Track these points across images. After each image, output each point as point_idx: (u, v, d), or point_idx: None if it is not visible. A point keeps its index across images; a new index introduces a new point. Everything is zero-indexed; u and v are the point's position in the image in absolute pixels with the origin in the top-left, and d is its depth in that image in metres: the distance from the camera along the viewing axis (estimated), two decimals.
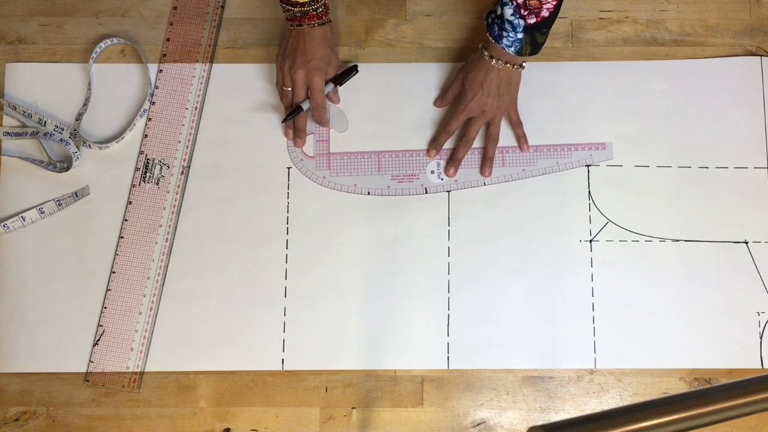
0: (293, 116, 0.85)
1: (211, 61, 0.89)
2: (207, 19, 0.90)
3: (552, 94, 0.88)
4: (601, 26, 0.90)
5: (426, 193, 0.87)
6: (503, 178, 0.87)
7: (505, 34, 0.78)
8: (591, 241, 0.86)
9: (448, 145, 0.87)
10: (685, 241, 0.86)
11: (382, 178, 0.87)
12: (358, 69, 0.87)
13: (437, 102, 0.88)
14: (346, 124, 0.88)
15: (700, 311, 0.84)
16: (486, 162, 0.86)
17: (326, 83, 0.85)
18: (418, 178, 0.87)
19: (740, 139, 0.88)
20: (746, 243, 0.86)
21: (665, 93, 0.88)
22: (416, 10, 0.91)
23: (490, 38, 0.80)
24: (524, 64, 0.83)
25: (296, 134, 0.87)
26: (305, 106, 0.85)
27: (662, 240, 0.86)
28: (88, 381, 0.83)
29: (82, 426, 0.83)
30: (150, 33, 0.90)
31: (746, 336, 0.84)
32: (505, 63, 0.81)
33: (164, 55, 0.89)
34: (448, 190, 0.87)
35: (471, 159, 0.87)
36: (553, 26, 0.86)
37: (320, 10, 0.80)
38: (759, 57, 0.89)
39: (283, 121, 0.86)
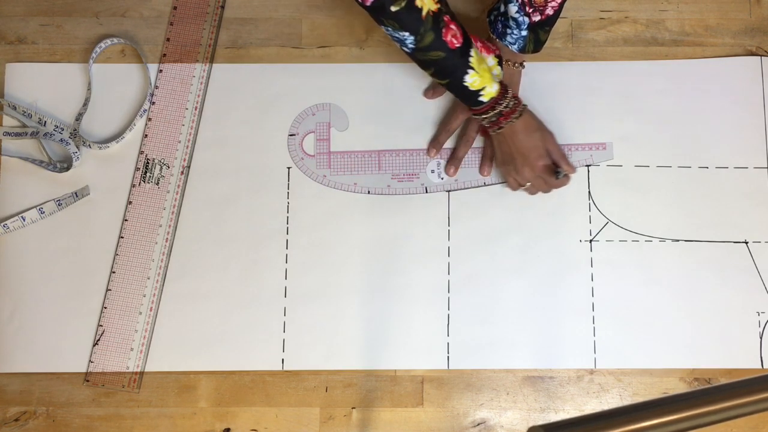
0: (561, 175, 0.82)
1: (211, 61, 0.89)
2: (207, 19, 0.90)
3: (552, 94, 0.88)
4: (601, 26, 0.90)
5: (426, 192, 0.87)
6: (503, 178, 0.87)
7: (509, 31, 0.78)
8: (591, 241, 0.86)
9: (448, 144, 0.87)
10: (685, 241, 0.86)
11: (382, 177, 0.87)
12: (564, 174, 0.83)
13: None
14: (346, 123, 0.88)
15: (700, 311, 0.84)
16: (485, 161, 0.86)
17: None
18: (418, 178, 0.87)
19: (740, 139, 0.88)
20: (746, 243, 0.86)
21: (665, 93, 0.88)
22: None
23: (493, 36, 0.80)
24: (524, 63, 0.83)
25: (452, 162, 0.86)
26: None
27: (662, 240, 0.86)
28: (88, 381, 0.83)
29: (82, 426, 0.83)
30: (150, 33, 0.90)
31: (746, 336, 0.84)
32: (506, 61, 0.81)
33: (164, 55, 0.89)
34: (449, 189, 0.87)
35: (471, 158, 0.87)
36: (554, 26, 0.86)
37: (511, 104, 0.77)
38: (759, 57, 0.89)
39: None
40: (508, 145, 0.81)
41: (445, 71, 0.73)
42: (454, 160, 0.86)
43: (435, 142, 0.87)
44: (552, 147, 0.82)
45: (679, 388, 0.84)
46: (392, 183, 0.87)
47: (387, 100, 0.89)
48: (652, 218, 0.86)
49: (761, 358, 0.84)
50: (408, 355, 0.84)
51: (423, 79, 0.89)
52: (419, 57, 0.73)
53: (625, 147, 0.87)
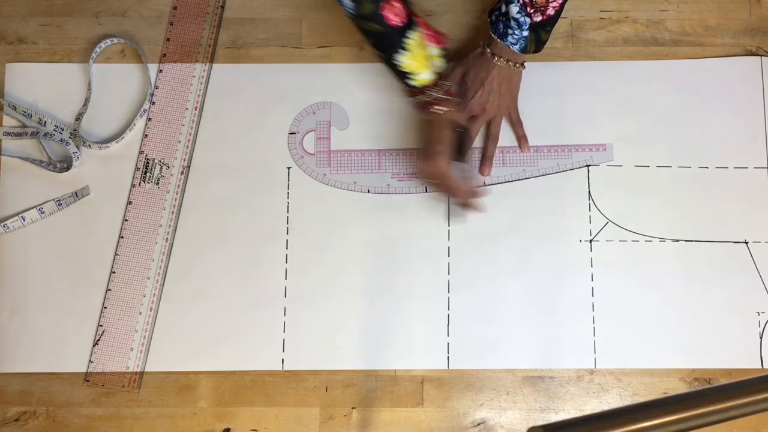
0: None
1: (211, 61, 0.89)
2: (207, 19, 0.90)
3: (552, 94, 0.88)
4: (601, 26, 0.90)
5: (426, 191, 0.87)
6: (503, 178, 0.87)
7: (510, 31, 0.78)
8: (591, 241, 0.86)
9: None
10: (685, 241, 0.86)
11: (382, 176, 0.87)
12: (467, 129, 0.82)
13: None
14: (347, 122, 0.88)
15: (700, 311, 0.84)
16: (485, 161, 0.86)
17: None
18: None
19: (740, 139, 0.88)
20: (746, 243, 0.86)
21: (665, 93, 0.88)
22: (416, 10, 0.91)
23: (494, 36, 0.80)
24: (525, 64, 0.83)
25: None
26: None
27: (662, 240, 0.86)
28: (88, 381, 0.83)
29: (82, 426, 0.83)
30: (150, 33, 0.90)
31: (746, 336, 0.84)
32: (507, 61, 0.81)
33: (164, 55, 0.89)
34: None
35: (473, 157, 0.87)
36: (555, 26, 0.86)
37: (439, 96, 0.78)
38: (759, 57, 0.89)
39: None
40: (425, 132, 0.83)
41: (381, 45, 0.75)
42: (486, 160, 0.86)
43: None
44: (469, 143, 0.83)
45: (679, 388, 0.84)
46: (392, 182, 0.87)
47: (387, 100, 0.89)
48: (652, 218, 0.86)
49: (761, 358, 0.84)
50: (408, 355, 0.84)
51: None
52: (359, 25, 0.74)
53: (625, 147, 0.87)
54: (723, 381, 0.61)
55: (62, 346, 0.84)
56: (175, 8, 0.90)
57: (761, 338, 0.84)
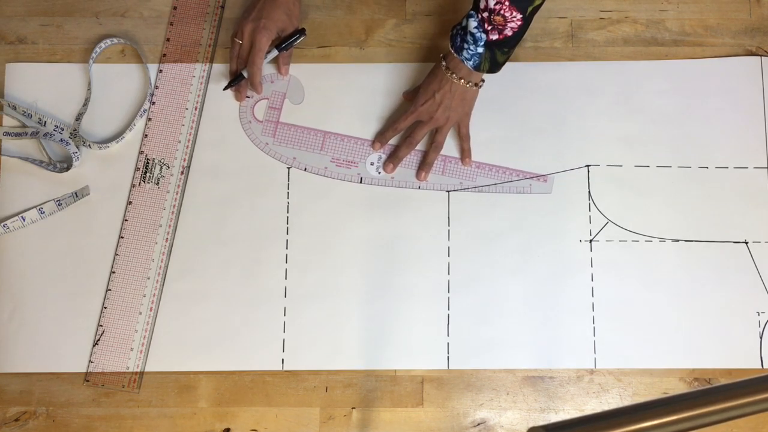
0: (235, 84, 0.86)
1: (211, 61, 0.89)
2: (207, 19, 0.90)
3: (552, 94, 0.88)
4: (601, 26, 0.90)
5: (361, 182, 0.87)
6: (439, 186, 0.87)
7: (466, 46, 0.78)
8: (591, 241, 0.86)
9: (396, 142, 0.87)
10: (685, 241, 0.86)
11: (322, 158, 0.87)
12: (306, 33, 0.87)
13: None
14: (302, 97, 0.88)
15: (700, 311, 0.85)
16: (423, 167, 0.86)
17: (273, 50, 0.86)
18: (356, 167, 0.87)
19: (740, 139, 0.88)
20: (746, 243, 0.86)
21: (665, 93, 0.88)
22: (416, 10, 0.91)
23: (452, 50, 0.79)
24: (481, 83, 0.82)
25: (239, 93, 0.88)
26: (246, 73, 0.86)
27: (662, 240, 0.86)
28: (88, 381, 0.83)
29: (82, 426, 0.83)
30: (150, 33, 0.90)
31: (746, 336, 0.84)
32: (460, 78, 0.80)
33: (164, 55, 0.89)
34: (383, 184, 0.86)
35: (414, 160, 0.87)
36: (554, 26, 0.86)
37: None
38: (759, 57, 0.89)
39: (224, 89, 0.87)
40: (259, 1, 0.85)
41: None
42: (393, 158, 0.86)
43: (380, 136, 0.87)
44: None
45: (679, 388, 0.84)
46: (330, 166, 0.87)
47: (386, 100, 0.89)
48: (652, 218, 0.86)
49: (761, 358, 0.84)
50: (408, 355, 0.84)
51: (420, 80, 0.89)
52: None
53: (625, 147, 0.87)
54: (723, 381, 0.61)
55: (62, 346, 0.84)
56: (175, 8, 0.90)
57: (761, 338, 0.84)
